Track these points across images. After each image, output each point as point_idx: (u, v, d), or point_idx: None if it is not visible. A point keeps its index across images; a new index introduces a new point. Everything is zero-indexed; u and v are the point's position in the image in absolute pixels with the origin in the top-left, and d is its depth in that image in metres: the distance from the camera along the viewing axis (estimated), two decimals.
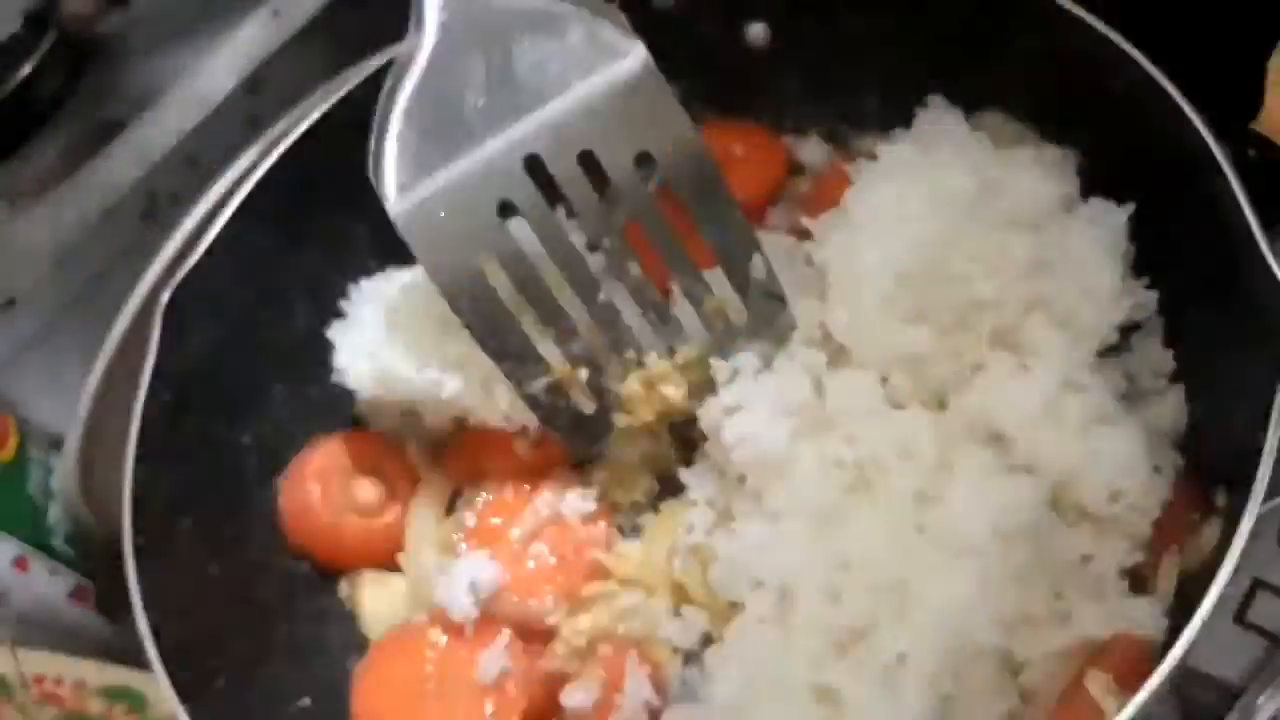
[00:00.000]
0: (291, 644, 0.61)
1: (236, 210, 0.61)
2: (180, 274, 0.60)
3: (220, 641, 0.57)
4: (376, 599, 0.63)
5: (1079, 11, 0.59)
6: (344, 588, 0.64)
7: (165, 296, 0.59)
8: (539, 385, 0.58)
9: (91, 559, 0.68)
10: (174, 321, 0.59)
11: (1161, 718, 0.55)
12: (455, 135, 0.53)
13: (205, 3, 0.85)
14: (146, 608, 0.53)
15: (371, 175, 0.53)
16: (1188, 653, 0.55)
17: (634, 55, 0.54)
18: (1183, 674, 0.56)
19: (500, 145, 0.54)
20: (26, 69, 0.86)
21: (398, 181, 0.53)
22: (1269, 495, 0.58)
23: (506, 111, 0.54)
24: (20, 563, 0.63)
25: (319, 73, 0.66)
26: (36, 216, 0.72)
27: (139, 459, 0.57)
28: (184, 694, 0.51)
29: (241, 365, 0.63)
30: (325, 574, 0.64)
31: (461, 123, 0.53)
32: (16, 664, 0.56)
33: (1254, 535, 0.58)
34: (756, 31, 0.69)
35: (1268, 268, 0.51)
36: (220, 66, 0.75)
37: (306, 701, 0.59)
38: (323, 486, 0.63)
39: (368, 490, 0.64)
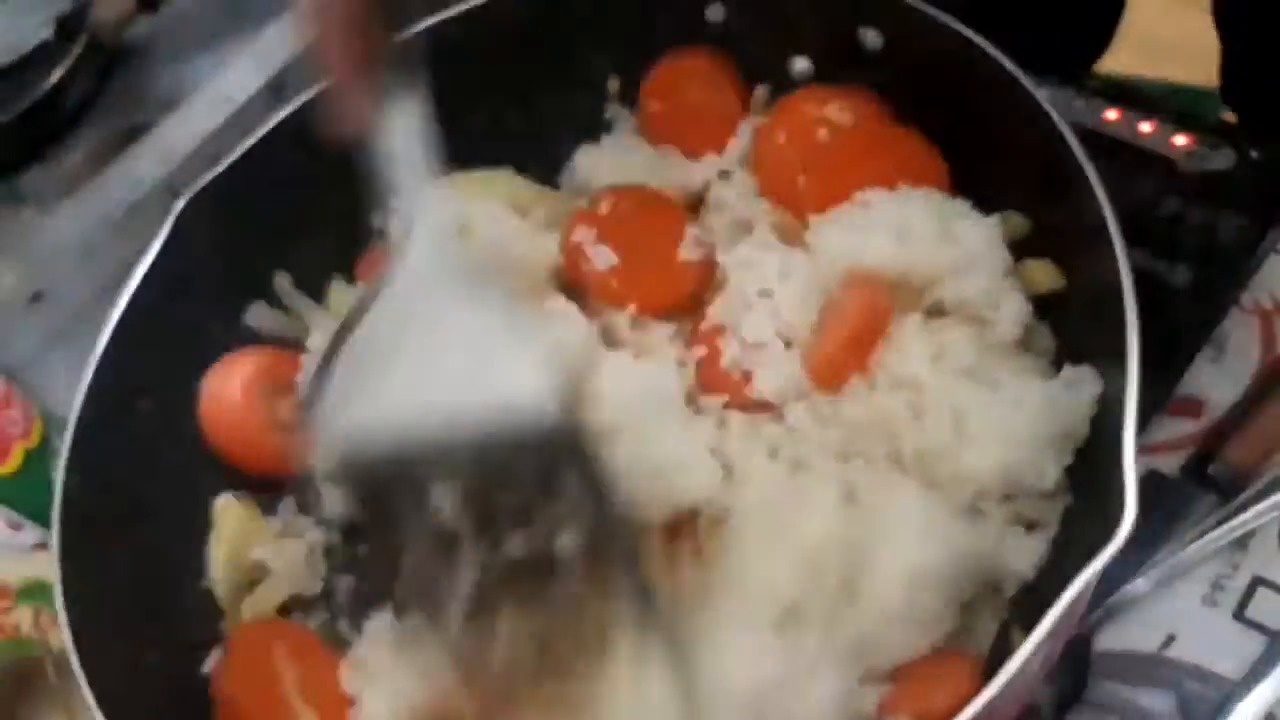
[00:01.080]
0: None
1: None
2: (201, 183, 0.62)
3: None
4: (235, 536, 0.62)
5: None
6: (223, 501, 0.63)
7: (181, 203, 0.62)
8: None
9: None
10: (183, 227, 0.61)
11: (1159, 712, 0.56)
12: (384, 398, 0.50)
13: (230, 8, 0.88)
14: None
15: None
16: (1187, 648, 0.57)
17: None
18: (1181, 668, 0.57)
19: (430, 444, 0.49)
20: (57, 74, 0.88)
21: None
22: (1268, 491, 0.59)
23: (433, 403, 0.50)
24: (41, 548, 0.65)
25: None
26: (64, 213, 0.74)
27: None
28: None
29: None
30: None
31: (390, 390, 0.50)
32: None
33: (1254, 534, 0.59)
34: None
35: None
36: (244, 69, 0.77)
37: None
38: (248, 397, 0.63)
39: (287, 408, 0.64)
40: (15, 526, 0.65)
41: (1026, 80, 0.55)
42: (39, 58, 0.88)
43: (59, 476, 0.57)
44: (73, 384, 0.71)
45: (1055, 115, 0.54)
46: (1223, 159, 0.63)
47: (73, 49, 0.88)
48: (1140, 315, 0.50)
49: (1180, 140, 0.64)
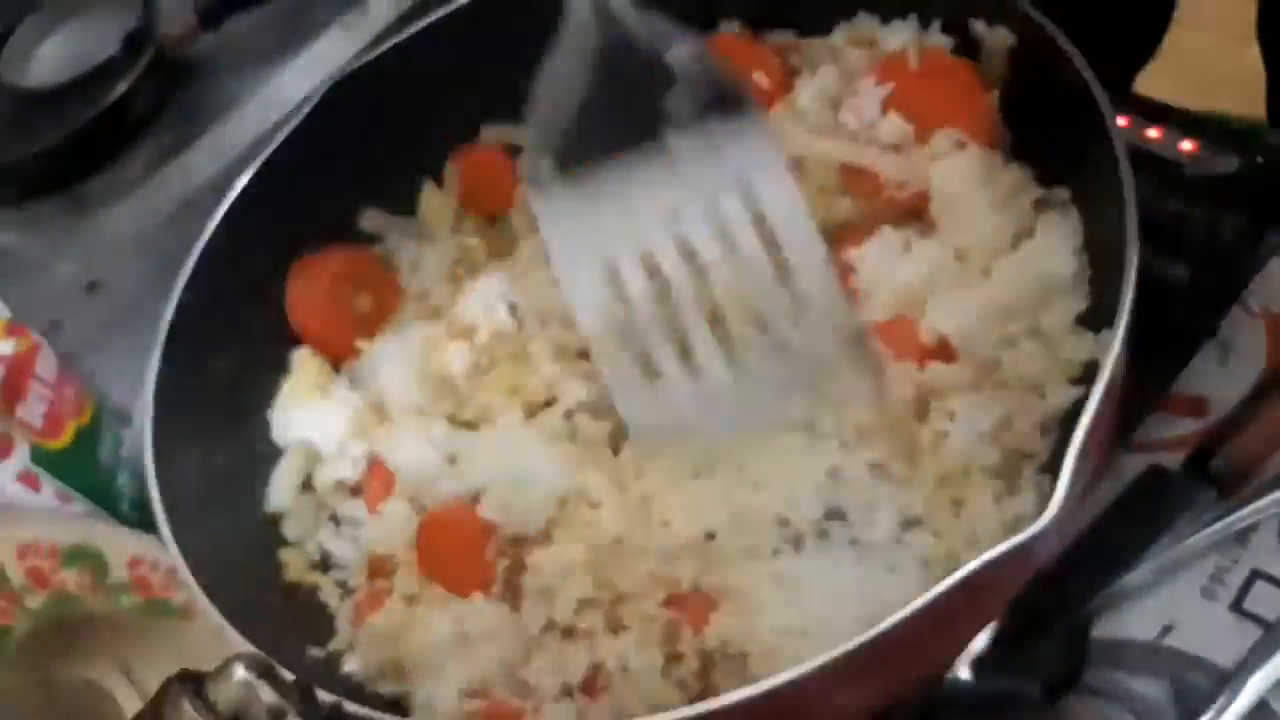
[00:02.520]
0: None
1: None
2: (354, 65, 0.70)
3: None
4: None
5: None
6: (300, 351, 0.69)
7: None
8: None
9: (153, 524, 0.73)
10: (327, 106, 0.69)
11: (1154, 698, 0.57)
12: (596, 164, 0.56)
13: (286, 27, 0.93)
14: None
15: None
16: (1184, 637, 0.58)
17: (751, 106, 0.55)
18: (1177, 657, 0.58)
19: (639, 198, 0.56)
20: (123, 87, 0.93)
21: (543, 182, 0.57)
22: (1269, 488, 0.60)
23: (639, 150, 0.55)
24: (88, 518, 0.68)
25: None
26: (121, 210, 0.79)
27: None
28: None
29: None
30: None
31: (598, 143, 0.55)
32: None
33: (1254, 528, 0.60)
34: None
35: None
36: (295, 76, 0.82)
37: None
38: (334, 289, 0.69)
39: (365, 303, 0.70)
40: (64, 498, 0.68)
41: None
42: (106, 71, 0.94)
43: (179, 287, 0.65)
44: (126, 370, 0.75)
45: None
46: (1227, 163, 0.64)
47: (138, 63, 0.94)
48: (1141, 311, 0.52)
49: (1186, 145, 0.66)
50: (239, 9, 0.96)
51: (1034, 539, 0.46)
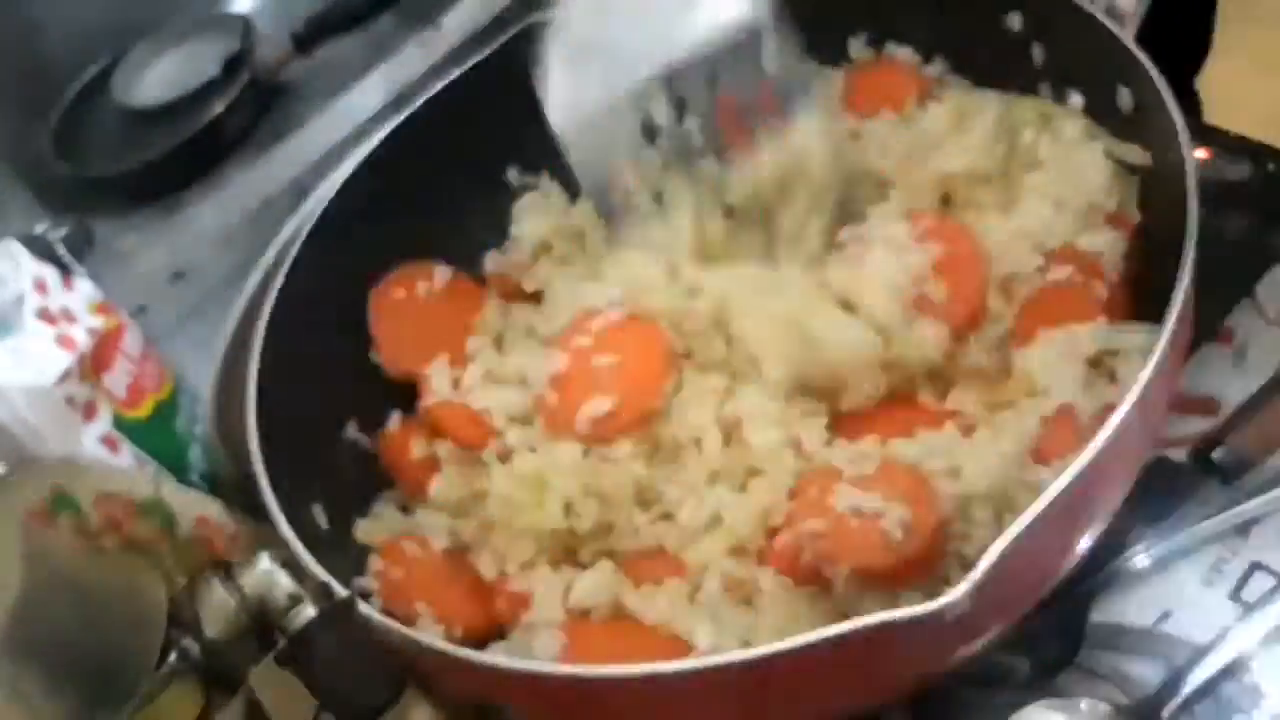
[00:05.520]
0: None
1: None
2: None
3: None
4: None
5: None
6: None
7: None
8: None
9: (220, 494, 0.78)
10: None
11: (1149, 681, 0.58)
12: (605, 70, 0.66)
13: (372, 52, 0.99)
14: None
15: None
16: (1181, 624, 0.59)
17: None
18: (1174, 643, 0.59)
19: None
20: (219, 107, 1.01)
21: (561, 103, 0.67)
22: (1275, 483, 0.62)
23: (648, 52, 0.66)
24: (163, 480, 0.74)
25: None
26: (207, 208, 0.86)
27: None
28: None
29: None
30: None
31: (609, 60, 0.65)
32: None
33: (1256, 521, 0.62)
34: None
35: None
36: (368, 90, 0.89)
37: None
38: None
39: None
40: (141, 462, 0.74)
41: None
42: (205, 93, 1.01)
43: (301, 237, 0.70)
44: (203, 354, 0.81)
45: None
46: (1239, 171, 0.66)
47: (235, 86, 1.01)
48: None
49: (1200, 153, 0.68)
50: (331, 36, 1.04)
51: (929, 615, 0.44)
